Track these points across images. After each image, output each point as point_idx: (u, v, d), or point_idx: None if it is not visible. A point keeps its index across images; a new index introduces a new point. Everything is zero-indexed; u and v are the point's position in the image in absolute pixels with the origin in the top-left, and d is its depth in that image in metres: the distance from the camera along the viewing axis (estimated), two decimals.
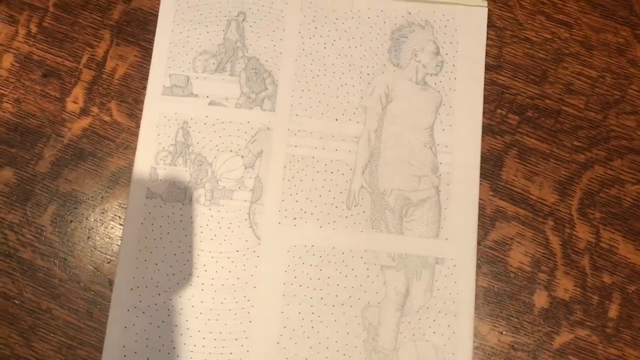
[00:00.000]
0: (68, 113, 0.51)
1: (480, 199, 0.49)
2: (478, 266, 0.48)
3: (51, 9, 0.53)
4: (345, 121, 0.50)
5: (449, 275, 0.48)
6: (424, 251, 0.48)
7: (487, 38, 0.52)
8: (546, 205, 0.50)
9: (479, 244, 0.49)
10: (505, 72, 0.52)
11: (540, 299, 0.48)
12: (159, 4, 0.53)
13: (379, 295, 0.47)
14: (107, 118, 0.50)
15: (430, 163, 0.50)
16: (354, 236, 0.48)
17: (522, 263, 0.49)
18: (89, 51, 0.52)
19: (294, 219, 0.49)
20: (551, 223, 0.49)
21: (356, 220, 0.49)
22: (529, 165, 0.50)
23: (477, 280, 0.48)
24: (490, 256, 0.49)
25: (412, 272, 0.48)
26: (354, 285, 0.48)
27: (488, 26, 0.53)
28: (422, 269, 0.48)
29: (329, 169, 0.49)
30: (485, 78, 0.51)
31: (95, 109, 0.50)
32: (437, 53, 0.52)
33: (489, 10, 0.53)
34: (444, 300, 0.47)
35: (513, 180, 0.50)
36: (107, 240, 0.49)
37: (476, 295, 0.48)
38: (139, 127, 0.49)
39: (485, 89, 0.52)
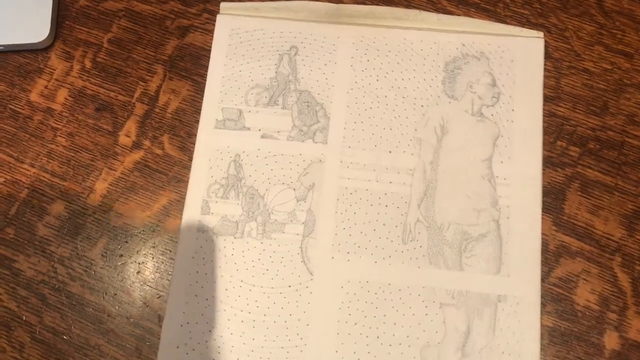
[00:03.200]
0: (120, 146, 0.51)
1: (542, 233, 0.47)
2: (542, 304, 0.46)
3: (105, 45, 0.54)
4: (399, 153, 0.49)
5: (512, 314, 0.45)
6: (485, 288, 0.46)
7: (544, 69, 0.51)
8: (613, 240, 0.47)
9: (542, 281, 0.46)
10: (564, 104, 0.50)
11: (611, 341, 0.45)
12: (211, 39, 0.53)
13: (438, 334, 0.45)
14: (159, 151, 0.50)
15: (489, 196, 0.48)
16: (410, 272, 0.47)
17: (589, 301, 0.46)
18: (142, 85, 0.52)
19: (348, 253, 0.47)
20: (619, 259, 0.47)
21: (413, 255, 0.47)
22: (592, 198, 0.48)
23: (541, 319, 0.45)
24: (555, 294, 0.46)
25: (473, 310, 0.45)
26: (412, 324, 0.45)
27: (545, 57, 0.51)
28: (484, 307, 0.45)
29: (383, 202, 0.48)
30: (543, 109, 0.50)
31: (147, 142, 0.50)
32: (494, 84, 0.51)
33: (545, 41, 0.52)
34: (507, 340, 0.45)
35: (576, 214, 0.48)
36: (157, 275, 0.48)
37: (541, 335, 0.45)
38: (191, 160, 0.49)
39: (544, 121, 0.50)
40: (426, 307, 0.46)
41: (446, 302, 0.46)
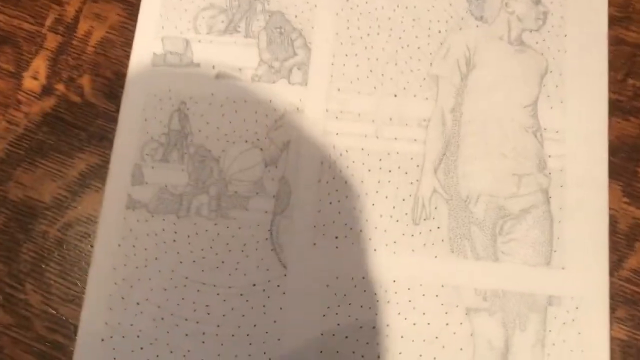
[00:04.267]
0: (25, 92, 0.37)
1: (610, 208, 0.34)
2: (611, 309, 0.33)
3: None
4: (408, 97, 0.35)
5: (569, 323, 0.32)
6: (531, 286, 0.32)
7: None
8: None
9: (611, 274, 0.33)
10: (638, 27, 0.36)
11: None
12: None
13: (464, 352, 0.32)
14: (76, 98, 0.37)
15: (534, 156, 0.34)
16: (424, 264, 0.33)
17: None
18: (56, 10, 0.39)
19: (336, 238, 0.33)
20: None
21: (427, 240, 0.33)
22: None
23: (611, 329, 0.32)
24: (629, 293, 0.33)
25: (513, 318, 0.32)
26: (427, 337, 0.32)
27: None
28: (529, 312, 0.32)
29: (386, 167, 0.34)
30: (608, 35, 0.36)
31: (61, 87, 0.37)
32: (538, 1, 0.36)
33: None
34: None
35: None
36: (69, 268, 0.34)
37: (611, 351, 0.32)
38: (119, 110, 0.35)
39: (609, 51, 0.36)
40: (446, 313, 0.32)
41: (475, 306, 0.32)
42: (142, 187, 0.35)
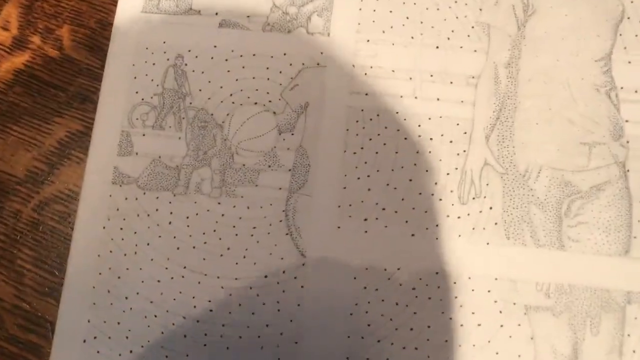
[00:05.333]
0: None
1: None
2: None
3: None
4: (453, 50, 0.29)
5: None
6: (604, 281, 0.26)
7: None
8: None
9: None
10: None
11: None
12: None
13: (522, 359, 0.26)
14: (54, 53, 0.31)
15: (607, 121, 0.28)
16: (473, 252, 0.27)
17: None
18: None
19: (365, 220, 0.27)
20: None
21: (477, 223, 0.27)
22: None
23: None
24: None
25: (582, 319, 0.26)
26: (477, 342, 0.26)
27: None
28: (602, 312, 0.26)
29: (426, 134, 0.28)
30: None
31: (36, 39, 0.31)
32: None
33: None
34: None
35: None
36: (46, 255, 0.29)
37: None
38: (104, 67, 0.29)
39: None
40: (500, 312, 0.26)
41: (535, 304, 0.26)
42: (131, 158, 0.29)
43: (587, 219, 0.27)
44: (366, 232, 0.28)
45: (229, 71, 0.30)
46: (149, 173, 0.29)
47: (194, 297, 0.28)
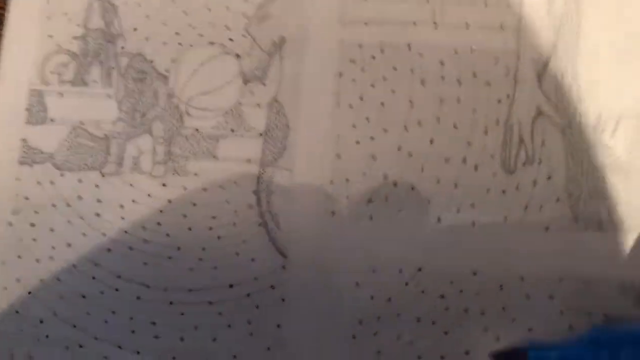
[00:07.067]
0: None
1: None
2: None
3: None
4: None
5: None
6: None
7: None
8: None
9: None
10: None
11: None
12: None
13: None
14: None
15: None
16: (526, 241, 0.19)
17: None
18: None
19: (369, 202, 0.19)
20: None
21: (531, 200, 0.19)
22: None
23: None
24: None
25: None
26: None
27: None
28: None
29: (452, 75, 0.20)
30: None
31: None
32: None
33: None
34: None
35: None
36: None
37: None
38: (6, 3, 0.21)
39: None
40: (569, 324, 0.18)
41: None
42: (44, 127, 0.21)
43: None
44: (371, 218, 0.20)
45: (173, 1, 0.21)
46: (69, 146, 0.21)
47: (131, 319, 0.20)
